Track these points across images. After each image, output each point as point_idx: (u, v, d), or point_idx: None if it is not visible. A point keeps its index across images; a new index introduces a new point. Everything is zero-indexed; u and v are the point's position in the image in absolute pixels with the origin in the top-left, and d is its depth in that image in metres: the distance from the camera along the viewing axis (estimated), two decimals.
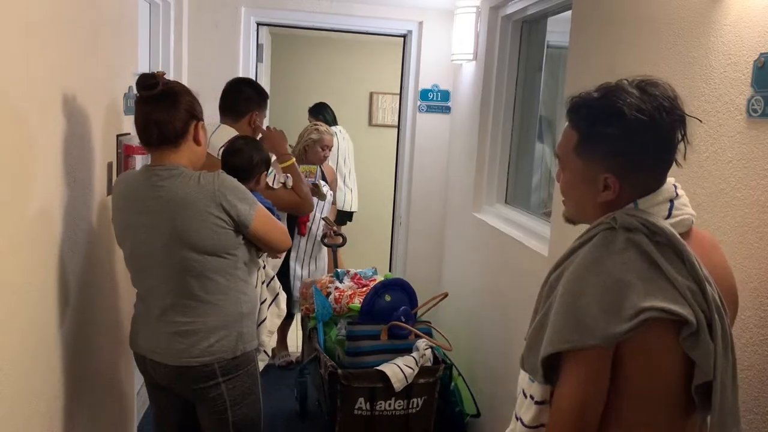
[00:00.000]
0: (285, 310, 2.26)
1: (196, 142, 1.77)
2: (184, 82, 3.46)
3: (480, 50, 3.36)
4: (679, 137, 1.11)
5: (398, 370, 2.52)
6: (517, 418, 1.23)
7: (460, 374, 2.96)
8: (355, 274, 3.17)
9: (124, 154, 2.27)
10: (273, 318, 2.21)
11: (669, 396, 1.08)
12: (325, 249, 3.75)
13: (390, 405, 2.54)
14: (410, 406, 2.59)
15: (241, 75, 3.52)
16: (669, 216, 1.11)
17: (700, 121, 1.32)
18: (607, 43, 1.96)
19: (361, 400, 2.52)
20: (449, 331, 2.96)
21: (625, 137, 1.08)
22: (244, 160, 2.15)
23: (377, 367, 2.52)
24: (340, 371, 2.50)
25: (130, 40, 2.42)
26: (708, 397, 1.06)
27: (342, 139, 4.86)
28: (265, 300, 2.18)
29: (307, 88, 5.74)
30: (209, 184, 1.70)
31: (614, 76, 1.18)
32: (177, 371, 1.77)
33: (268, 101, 2.72)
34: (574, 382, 1.06)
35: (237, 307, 1.80)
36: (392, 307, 2.71)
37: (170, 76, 3.39)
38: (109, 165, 2.15)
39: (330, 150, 3.73)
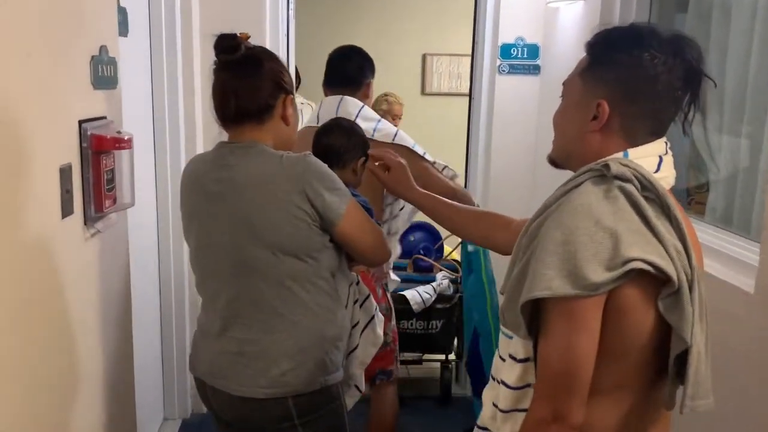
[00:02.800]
0: (381, 337, 1.81)
1: (285, 119, 1.48)
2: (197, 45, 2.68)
3: None
4: (689, 100, 1.09)
5: (417, 294, 2.96)
6: (498, 382, 1.17)
7: None
8: None
9: (93, 149, 1.47)
10: (367, 346, 1.73)
11: (642, 358, 1.04)
12: None
13: (411, 324, 3.00)
14: (430, 327, 3.06)
15: (268, 36, 2.78)
16: (657, 171, 1.08)
17: (715, 85, 1.14)
18: None
19: None
20: None
21: (635, 67, 1.07)
22: (336, 139, 1.77)
23: (399, 292, 2.89)
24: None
25: None
26: (682, 368, 1.02)
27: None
28: (358, 323, 1.69)
29: None
30: (293, 165, 1.40)
31: None
32: (242, 403, 1.46)
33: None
34: (558, 334, 1.01)
35: (319, 327, 1.47)
36: (415, 245, 3.32)
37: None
38: (64, 170, 1.35)
39: (400, 120, 3.71)
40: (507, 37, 3.01)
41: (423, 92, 5.09)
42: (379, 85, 5.03)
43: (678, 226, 1.02)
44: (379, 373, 2.21)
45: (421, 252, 3.26)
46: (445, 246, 3.41)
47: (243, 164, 1.42)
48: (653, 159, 1.09)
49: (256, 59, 1.45)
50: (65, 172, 1.36)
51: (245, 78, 1.43)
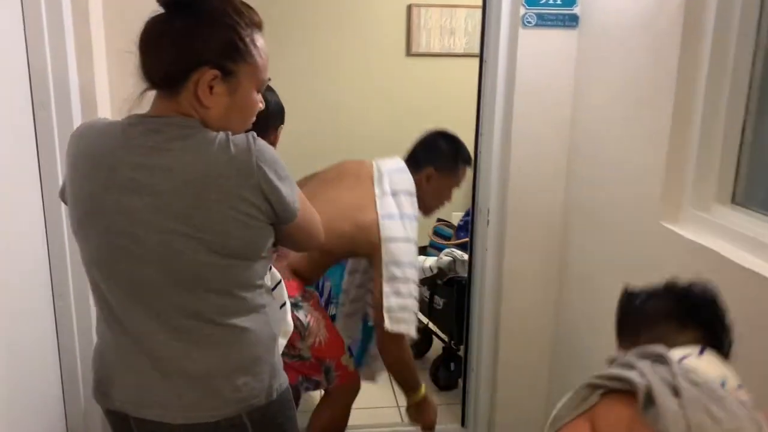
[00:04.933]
0: (291, 325, 1.72)
1: (198, 99, 1.19)
2: None
3: None
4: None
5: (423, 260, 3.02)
6: None
7: None
8: None
9: None
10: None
11: None
12: None
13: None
14: (434, 302, 3.14)
15: None
16: None
17: None
18: None
19: None
20: None
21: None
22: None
23: None
24: None
25: None
26: None
27: None
28: None
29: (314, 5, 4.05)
30: (243, 153, 1.16)
31: None
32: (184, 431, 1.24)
33: None
34: None
35: (267, 329, 1.30)
36: None
37: None
38: None
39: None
40: None
41: (408, 53, 4.22)
42: (355, 45, 4.22)
43: None
44: (303, 380, 2.14)
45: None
46: None
47: (182, 150, 1.17)
48: None
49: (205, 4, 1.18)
50: None
51: (181, 30, 1.17)
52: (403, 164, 2.29)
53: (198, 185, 1.15)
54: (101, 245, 1.22)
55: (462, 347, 2.90)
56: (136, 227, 1.18)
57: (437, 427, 2.81)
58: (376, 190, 2.19)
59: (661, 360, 1.08)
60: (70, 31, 1.81)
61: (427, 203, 2.34)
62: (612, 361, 1.19)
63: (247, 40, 1.21)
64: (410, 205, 2.19)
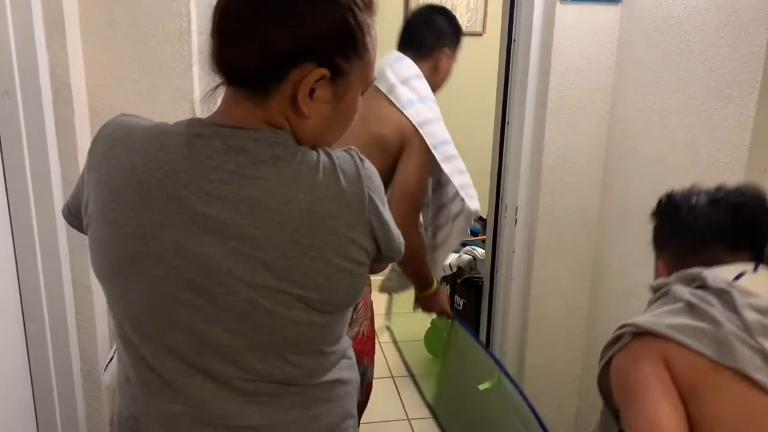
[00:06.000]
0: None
1: (295, 105, 0.87)
2: None
3: None
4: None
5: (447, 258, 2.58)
6: None
7: None
8: None
9: None
10: None
11: None
12: None
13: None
14: (454, 303, 2.90)
15: None
16: None
17: None
18: None
19: None
20: None
21: None
22: None
23: None
24: None
25: None
26: None
27: None
28: None
29: None
30: (354, 182, 0.89)
31: None
32: None
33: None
34: None
35: (355, 373, 1.08)
36: None
37: None
38: None
39: None
40: None
41: None
42: None
43: None
44: None
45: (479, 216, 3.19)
46: None
47: (272, 176, 0.85)
48: None
49: None
50: None
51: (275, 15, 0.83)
52: (398, 53, 2.08)
53: (298, 228, 0.87)
54: (151, 300, 0.91)
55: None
56: (208, 280, 0.88)
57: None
58: (383, 88, 1.99)
59: (720, 294, 1.05)
60: (37, 5, 1.51)
61: (438, 87, 2.15)
62: (657, 289, 1.16)
63: (365, 27, 0.88)
64: (424, 88, 2.01)
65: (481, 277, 2.74)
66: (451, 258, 2.93)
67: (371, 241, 0.92)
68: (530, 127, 2.10)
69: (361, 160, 0.92)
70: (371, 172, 0.93)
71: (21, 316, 1.66)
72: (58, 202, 1.64)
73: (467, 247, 2.98)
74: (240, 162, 0.85)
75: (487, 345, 2.46)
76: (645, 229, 1.87)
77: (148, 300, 0.90)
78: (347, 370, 1.06)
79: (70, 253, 1.70)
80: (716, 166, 1.58)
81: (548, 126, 2.05)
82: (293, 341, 0.93)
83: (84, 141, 1.68)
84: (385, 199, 0.95)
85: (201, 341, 0.91)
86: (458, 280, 2.90)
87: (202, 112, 1.75)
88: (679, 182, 1.74)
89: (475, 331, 2.76)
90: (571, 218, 2.14)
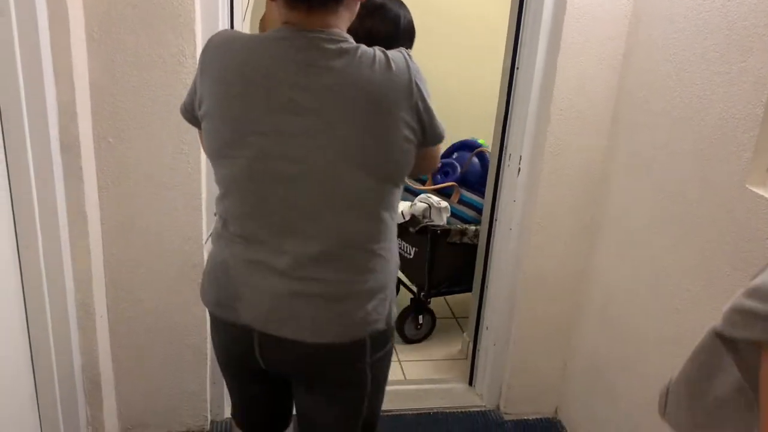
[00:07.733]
0: None
1: (353, 12, 1.22)
2: None
3: None
4: None
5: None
6: None
7: None
8: None
9: None
10: None
11: None
12: None
13: None
14: (405, 251, 2.91)
15: None
16: None
17: None
18: None
19: None
20: None
21: None
22: (383, 25, 1.46)
23: None
24: None
25: None
26: None
27: None
28: None
29: None
30: (403, 71, 1.13)
31: None
32: (314, 351, 1.24)
33: None
34: None
35: (396, 257, 1.33)
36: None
37: None
38: None
39: None
40: None
41: None
42: None
43: None
44: None
45: (446, 169, 3.02)
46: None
47: (341, 67, 1.11)
48: None
49: None
50: None
51: None
52: None
53: (362, 107, 1.12)
54: (252, 167, 1.17)
55: (429, 300, 2.96)
56: (296, 151, 1.14)
57: (442, 386, 2.63)
58: None
59: None
60: None
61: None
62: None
63: None
64: None
65: (438, 226, 2.78)
66: (404, 206, 2.88)
67: (417, 122, 1.15)
68: (540, 73, 2.04)
69: (409, 55, 1.16)
70: (418, 67, 1.16)
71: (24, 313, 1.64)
72: (53, 128, 1.60)
73: (422, 195, 2.93)
74: (314, 57, 1.10)
75: (482, 291, 2.46)
76: (655, 185, 1.85)
77: (250, 167, 1.15)
78: (393, 253, 1.29)
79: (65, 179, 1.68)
80: (729, 121, 1.54)
81: (558, 74, 1.99)
82: (359, 202, 1.17)
83: (81, 65, 1.64)
84: (429, 91, 1.16)
85: (291, 202, 1.16)
86: (411, 229, 2.83)
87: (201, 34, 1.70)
88: (687, 137, 1.72)
89: (428, 281, 2.87)
90: (575, 169, 2.11)
